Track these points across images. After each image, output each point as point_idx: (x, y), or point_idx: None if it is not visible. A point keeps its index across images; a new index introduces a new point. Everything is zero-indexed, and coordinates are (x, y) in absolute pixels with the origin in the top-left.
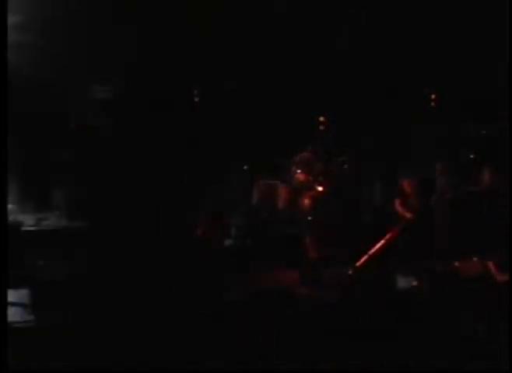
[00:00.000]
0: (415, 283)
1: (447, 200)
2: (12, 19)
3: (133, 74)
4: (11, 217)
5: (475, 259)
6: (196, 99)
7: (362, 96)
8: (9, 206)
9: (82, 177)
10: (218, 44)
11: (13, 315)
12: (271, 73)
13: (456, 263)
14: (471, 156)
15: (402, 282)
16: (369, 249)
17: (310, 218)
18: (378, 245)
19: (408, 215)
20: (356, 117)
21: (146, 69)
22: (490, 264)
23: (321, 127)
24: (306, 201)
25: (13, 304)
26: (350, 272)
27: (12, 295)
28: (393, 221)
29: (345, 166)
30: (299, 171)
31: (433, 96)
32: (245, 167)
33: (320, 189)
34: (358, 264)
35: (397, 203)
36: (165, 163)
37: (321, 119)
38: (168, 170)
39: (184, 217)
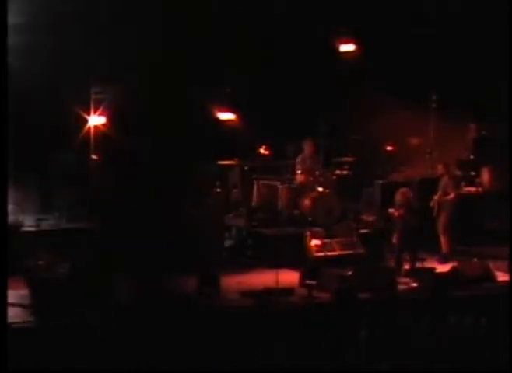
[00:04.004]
0: (415, 284)
1: (449, 200)
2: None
3: None
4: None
5: (475, 259)
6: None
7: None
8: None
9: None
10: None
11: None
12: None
13: (456, 263)
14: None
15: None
16: None
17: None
18: None
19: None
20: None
21: None
22: (490, 264)
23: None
24: (307, 202)
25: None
26: (349, 273)
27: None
28: None
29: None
30: (299, 172)
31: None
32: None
33: (320, 189)
34: None
35: None
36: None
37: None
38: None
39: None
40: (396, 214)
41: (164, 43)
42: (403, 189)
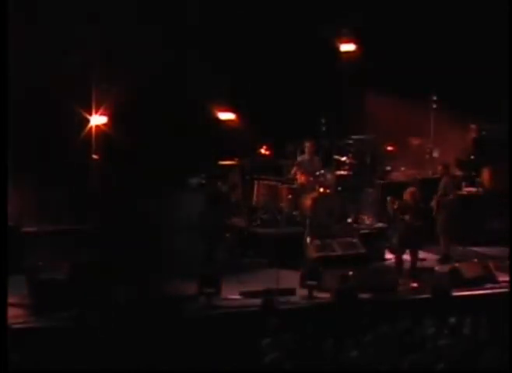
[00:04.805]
0: (415, 284)
1: (449, 200)
2: None
3: None
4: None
5: (475, 260)
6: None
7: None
8: None
9: None
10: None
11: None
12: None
13: (456, 264)
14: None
15: None
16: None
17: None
18: None
19: None
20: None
21: None
22: (490, 264)
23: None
24: (307, 202)
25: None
26: (350, 273)
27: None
28: None
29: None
30: (298, 173)
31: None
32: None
33: (321, 190)
34: None
35: None
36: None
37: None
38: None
39: None
40: (395, 207)
41: (164, 43)
42: (411, 189)
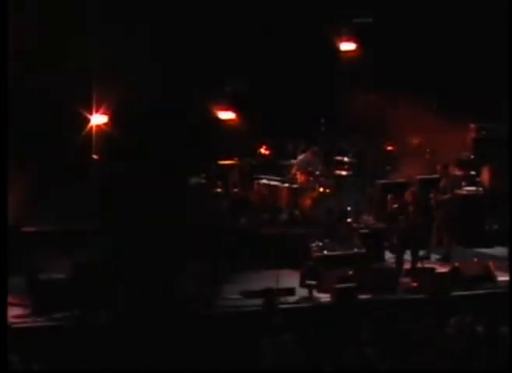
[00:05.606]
0: (415, 284)
1: (446, 199)
2: None
3: None
4: None
5: (475, 259)
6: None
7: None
8: None
9: None
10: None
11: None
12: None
13: (456, 263)
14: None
15: None
16: None
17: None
18: None
19: None
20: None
21: None
22: (490, 264)
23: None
24: (307, 202)
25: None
26: (350, 273)
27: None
28: None
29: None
30: (300, 171)
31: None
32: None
33: (320, 189)
34: None
35: None
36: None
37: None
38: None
39: None
40: (395, 206)
41: (165, 43)
42: (413, 189)
